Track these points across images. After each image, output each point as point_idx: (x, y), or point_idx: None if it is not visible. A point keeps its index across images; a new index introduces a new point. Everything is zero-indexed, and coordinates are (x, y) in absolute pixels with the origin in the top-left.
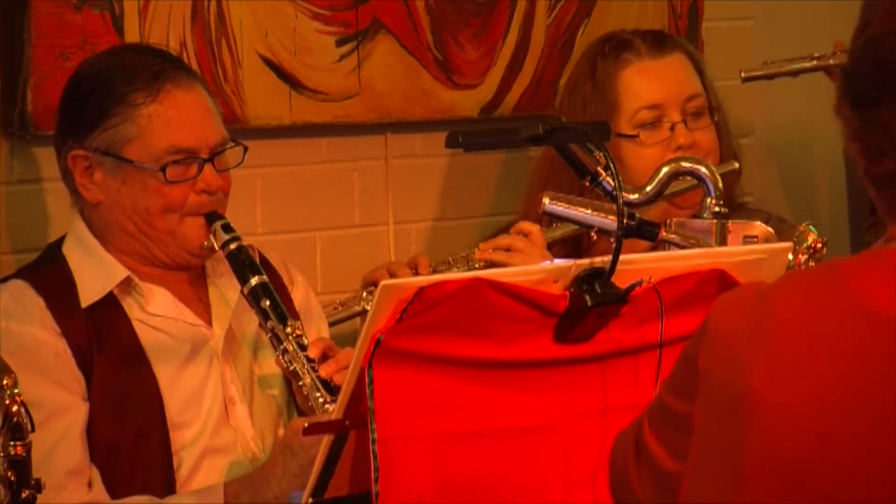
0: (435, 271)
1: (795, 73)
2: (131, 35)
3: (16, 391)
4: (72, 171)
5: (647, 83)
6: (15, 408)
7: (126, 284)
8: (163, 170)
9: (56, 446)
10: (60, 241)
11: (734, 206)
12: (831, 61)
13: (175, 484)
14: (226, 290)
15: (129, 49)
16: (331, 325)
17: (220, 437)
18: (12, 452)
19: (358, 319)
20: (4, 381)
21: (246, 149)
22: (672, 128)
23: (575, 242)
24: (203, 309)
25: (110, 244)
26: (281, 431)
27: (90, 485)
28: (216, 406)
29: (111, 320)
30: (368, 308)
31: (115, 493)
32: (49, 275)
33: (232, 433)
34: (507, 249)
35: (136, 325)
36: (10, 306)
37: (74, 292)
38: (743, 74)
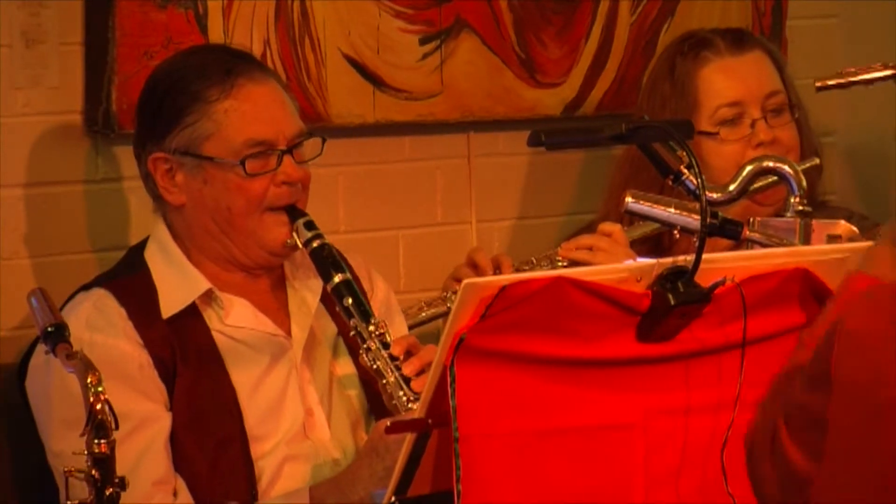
0: (518, 271)
1: (869, 83)
2: (215, 34)
3: (99, 389)
4: (153, 174)
5: (727, 80)
6: (99, 406)
7: (207, 296)
8: (242, 163)
9: (142, 457)
10: (142, 245)
11: (816, 204)
12: None
13: (257, 493)
14: (305, 295)
15: (200, 49)
16: (417, 325)
17: (299, 447)
18: (96, 450)
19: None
20: (89, 379)
21: (324, 139)
22: (752, 125)
23: (655, 242)
24: (283, 316)
25: (193, 248)
26: (360, 433)
27: (175, 494)
28: (296, 420)
29: (192, 331)
30: None
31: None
32: (131, 284)
33: (311, 444)
34: (590, 249)
35: (216, 336)
36: (94, 317)
37: (156, 303)
38: (817, 84)
